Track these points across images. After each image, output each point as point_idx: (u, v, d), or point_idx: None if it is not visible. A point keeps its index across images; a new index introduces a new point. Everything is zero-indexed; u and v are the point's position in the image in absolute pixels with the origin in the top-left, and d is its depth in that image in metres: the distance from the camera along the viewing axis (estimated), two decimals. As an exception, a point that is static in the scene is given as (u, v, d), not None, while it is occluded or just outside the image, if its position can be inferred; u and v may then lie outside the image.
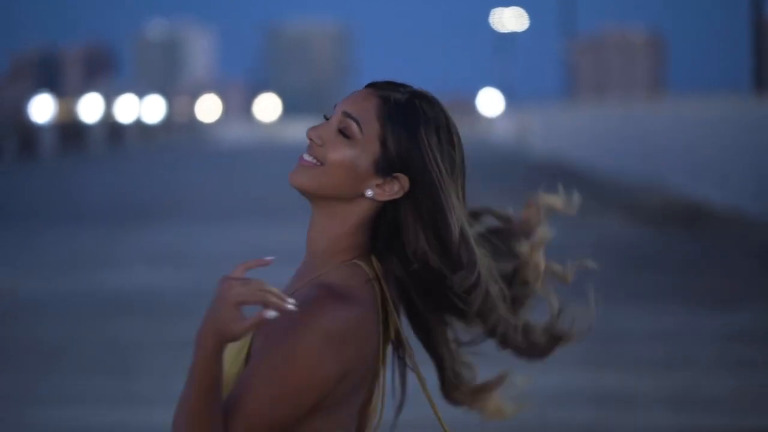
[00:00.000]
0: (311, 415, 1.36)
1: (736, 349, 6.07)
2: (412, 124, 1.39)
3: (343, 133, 1.40)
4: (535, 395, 5.36)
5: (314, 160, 1.41)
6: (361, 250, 1.41)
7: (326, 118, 1.44)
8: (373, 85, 1.43)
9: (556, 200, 1.61)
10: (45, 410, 5.04)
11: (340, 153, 1.39)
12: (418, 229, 1.39)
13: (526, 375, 1.55)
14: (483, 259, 1.45)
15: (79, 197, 17.82)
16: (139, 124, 50.88)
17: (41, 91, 43.66)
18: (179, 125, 64.97)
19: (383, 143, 1.39)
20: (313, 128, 1.42)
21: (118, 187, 20.01)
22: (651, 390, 5.23)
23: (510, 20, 56.34)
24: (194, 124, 71.98)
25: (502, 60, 59.85)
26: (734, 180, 13.77)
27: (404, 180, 1.40)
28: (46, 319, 7.09)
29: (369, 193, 1.39)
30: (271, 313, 1.30)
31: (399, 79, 1.44)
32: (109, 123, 46.16)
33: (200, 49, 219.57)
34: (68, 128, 40.79)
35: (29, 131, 35.78)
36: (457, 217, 1.41)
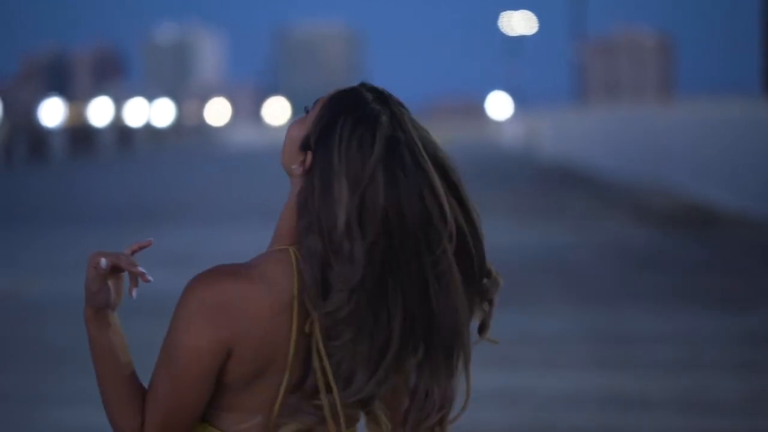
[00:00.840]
0: (220, 393, 1.37)
1: (744, 351, 6.05)
2: (338, 111, 1.41)
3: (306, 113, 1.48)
4: (544, 397, 5.39)
5: None
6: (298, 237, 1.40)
7: None
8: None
9: None
10: (53, 411, 5.06)
11: (291, 129, 1.45)
12: (312, 207, 1.37)
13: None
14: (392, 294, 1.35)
15: (88, 200, 17.88)
16: (148, 128, 51.02)
17: (51, 95, 43.82)
18: (188, 129, 65.12)
19: (313, 123, 1.43)
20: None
21: (127, 190, 20.07)
22: (660, 392, 5.22)
23: (519, 23, 56.29)
24: (203, 127, 72.15)
25: (512, 63, 59.81)
26: (743, 182, 13.73)
27: (309, 157, 1.41)
28: (55, 320, 7.12)
29: (293, 166, 1.42)
30: (103, 261, 1.39)
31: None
32: (118, 126, 46.32)
33: (209, 52, 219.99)
34: (78, 131, 40.94)
35: (39, 134, 35.93)
36: (347, 208, 1.35)
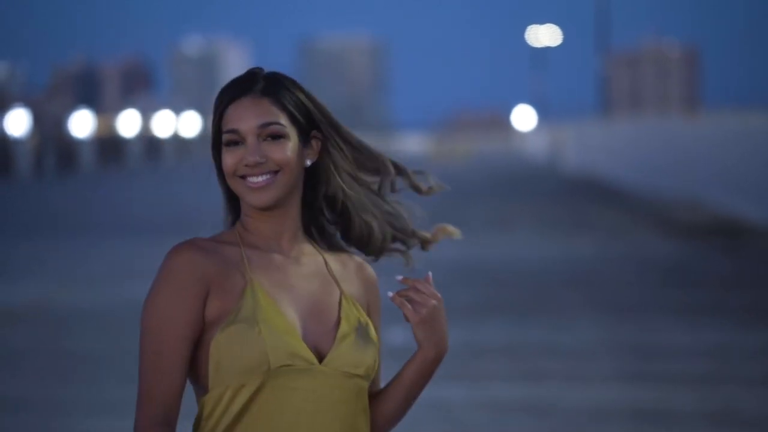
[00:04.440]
0: None
1: (773, 366, 6.02)
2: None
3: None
4: (570, 410, 5.37)
5: None
6: None
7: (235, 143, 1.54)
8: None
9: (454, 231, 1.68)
10: (80, 420, 5.10)
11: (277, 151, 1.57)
12: None
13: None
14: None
15: (117, 210, 18.03)
16: (176, 138, 51.37)
17: (80, 107, 44.22)
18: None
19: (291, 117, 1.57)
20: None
21: (155, 200, 20.22)
22: (687, 406, 5.19)
23: (545, 36, 56.26)
24: (229, 138, 72.11)
25: (537, 75, 59.74)
26: (771, 195, 13.61)
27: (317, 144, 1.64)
28: (83, 330, 7.20)
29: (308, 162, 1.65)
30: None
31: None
32: (146, 137, 46.68)
33: (235, 64, 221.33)
34: (107, 142, 41.31)
35: (69, 145, 36.29)
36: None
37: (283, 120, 1.52)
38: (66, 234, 13.98)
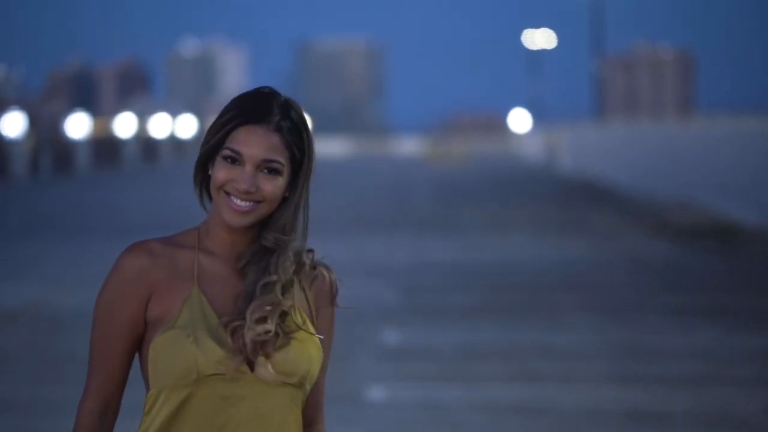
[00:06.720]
0: None
1: (765, 366, 6.05)
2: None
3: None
4: (564, 411, 5.40)
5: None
6: None
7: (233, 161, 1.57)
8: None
9: None
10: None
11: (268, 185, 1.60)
12: None
13: None
14: None
15: (113, 211, 18.04)
16: (172, 139, 51.38)
17: (77, 110, 44.22)
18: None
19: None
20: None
21: (151, 201, 20.23)
22: (680, 407, 5.22)
23: (541, 40, 56.40)
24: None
25: (533, 78, 59.90)
26: (763, 197, 13.68)
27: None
28: (79, 331, 7.20)
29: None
30: None
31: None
32: (143, 138, 46.68)
33: (232, 67, 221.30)
34: (103, 143, 41.31)
35: (65, 147, 36.28)
36: None
37: (284, 158, 1.57)
38: (62, 235, 13.98)
